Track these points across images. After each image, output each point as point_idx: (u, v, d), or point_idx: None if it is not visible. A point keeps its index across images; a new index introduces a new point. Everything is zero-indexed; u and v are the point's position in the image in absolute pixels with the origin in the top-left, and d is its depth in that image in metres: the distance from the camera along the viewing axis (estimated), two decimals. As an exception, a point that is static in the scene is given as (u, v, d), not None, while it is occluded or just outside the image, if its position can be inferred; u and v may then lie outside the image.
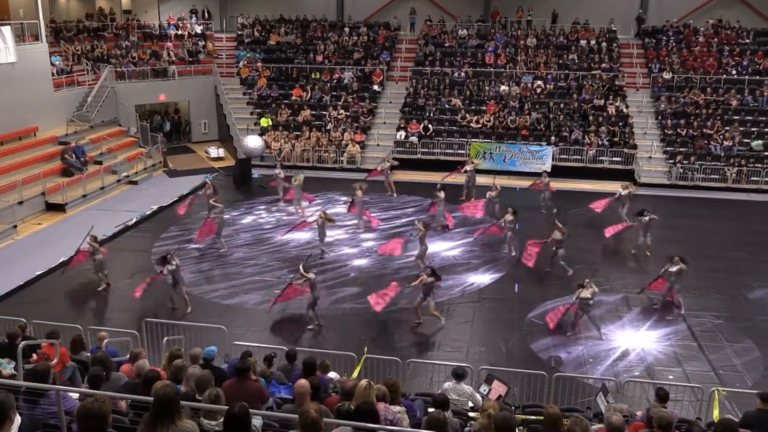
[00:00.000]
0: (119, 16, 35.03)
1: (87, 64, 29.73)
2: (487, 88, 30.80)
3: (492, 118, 29.15)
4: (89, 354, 9.58)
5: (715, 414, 10.10)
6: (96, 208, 23.03)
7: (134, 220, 21.50)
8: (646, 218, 18.43)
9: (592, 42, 32.32)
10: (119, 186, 25.32)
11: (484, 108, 29.76)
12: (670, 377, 12.80)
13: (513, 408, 9.66)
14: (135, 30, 33.32)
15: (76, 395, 6.44)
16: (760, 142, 27.19)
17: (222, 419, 5.45)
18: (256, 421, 6.30)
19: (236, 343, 12.34)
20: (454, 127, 29.29)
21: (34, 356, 8.93)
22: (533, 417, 8.88)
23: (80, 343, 9.77)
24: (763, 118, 28.31)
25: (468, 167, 23.99)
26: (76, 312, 15.34)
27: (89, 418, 4.85)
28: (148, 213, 22.21)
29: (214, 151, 30.09)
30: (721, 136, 27.39)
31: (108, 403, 5.06)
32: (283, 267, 18.04)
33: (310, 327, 14.72)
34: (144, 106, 31.88)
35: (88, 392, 6.36)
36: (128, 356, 9.33)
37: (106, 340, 10.72)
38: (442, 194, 20.55)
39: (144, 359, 8.49)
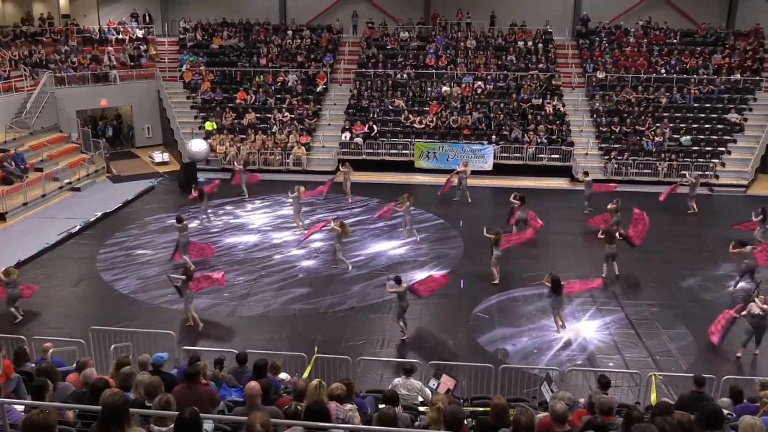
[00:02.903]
0: (58, 20, 33.98)
1: (25, 70, 28.77)
2: (429, 89, 31.03)
3: (435, 119, 29.38)
4: (34, 365, 9.26)
5: (653, 398, 10.41)
6: (37, 216, 22.31)
7: (78, 227, 20.89)
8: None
9: (529, 43, 32.90)
10: (61, 193, 24.55)
11: (427, 108, 29.97)
12: (611, 364, 13.13)
13: (461, 400, 9.80)
14: (74, 34, 32.41)
15: (21, 407, 6.25)
16: (688, 137, 28.16)
17: (172, 425, 5.37)
18: (208, 425, 6.24)
19: (185, 348, 12.15)
20: (398, 128, 29.41)
21: (-24, 369, 8.60)
22: (481, 408, 8.99)
23: (24, 354, 9.43)
24: (691, 115, 29.34)
25: (459, 169, 24.13)
26: (19, 322, 14.81)
27: (35, 430, 4.72)
28: (92, 220, 21.63)
29: (159, 156, 29.51)
30: (653, 133, 28.26)
31: (54, 414, 4.93)
32: (232, 270, 17.83)
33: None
34: (85, 111, 31.05)
35: (33, 404, 6.18)
36: (74, 365, 9.08)
37: (51, 350, 10.37)
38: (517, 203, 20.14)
39: (91, 368, 8.25)
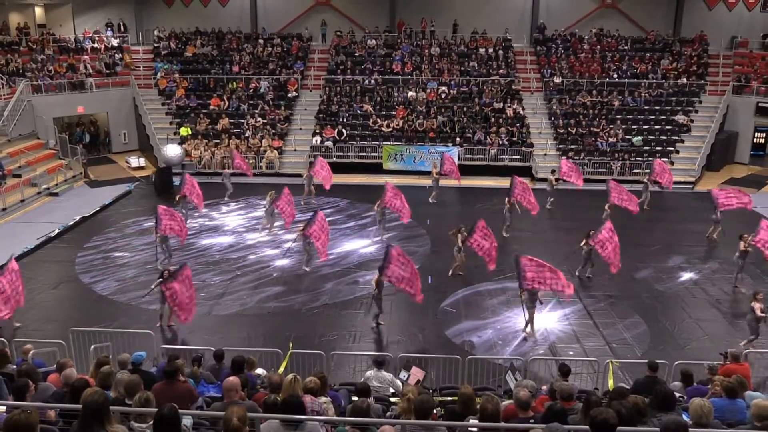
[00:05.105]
0: (34, 30, 33.28)
1: (2, 78, 28.13)
2: (396, 94, 31.07)
3: (401, 122, 29.45)
4: (15, 366, 9.06)
5: (610, 383, 10.54)
6: (16, 221, 21.81)
7: (56, 231, 20.49)
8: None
9: (490, 50, 33.13)
10: (39, 198, 24.05)
11: (394, 113, 30.02)
12: (570, 353, 13.30)
13: (430, 391, 9.82)
14: (50, 44, 31.76)
15: (2, 408, 6.12)
16: (639, 138, 28.66)
17: (152, 421, 5.30)
18: (187, 421, 6.17)
19: (164, 346, 12.00)
20: (367, 131, 29.41)
21: (-43, 372, 8.39)
22: (449, 398, 9.03)
23: (4, 357, 9.22)
24: (642, 117, 29.88)
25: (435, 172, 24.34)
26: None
27: (17, 430, 4.62)
28: (70, 224, 21.23)
29: (135, 161, 29.10)
30: (606, 134, 28.70)
31: (35, 413, 4.83)
32: (207, 271, 17.66)
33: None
34: (62, 118, 30.47)
35: (15, 404, 6.06)
36: (55, 366, 8.90)
37: (31, 352, 10.17)
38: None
39: (71, 368, 8.11)
